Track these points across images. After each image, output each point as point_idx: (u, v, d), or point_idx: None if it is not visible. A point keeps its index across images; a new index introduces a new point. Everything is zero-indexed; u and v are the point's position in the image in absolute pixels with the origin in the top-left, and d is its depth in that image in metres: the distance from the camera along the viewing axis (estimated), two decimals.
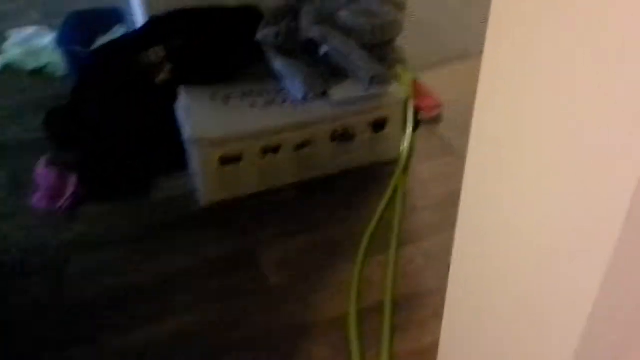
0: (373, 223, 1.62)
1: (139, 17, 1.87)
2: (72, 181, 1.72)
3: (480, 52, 2.51)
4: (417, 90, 1.99)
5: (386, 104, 1.69)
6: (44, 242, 1.63)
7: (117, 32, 2.08)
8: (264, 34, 1.66)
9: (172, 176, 1.78)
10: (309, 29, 1.65)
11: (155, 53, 1.61)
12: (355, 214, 1.69)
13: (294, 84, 1.64)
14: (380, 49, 1.72)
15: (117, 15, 2.11)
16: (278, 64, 1.65)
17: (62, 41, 2.00)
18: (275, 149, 1.64)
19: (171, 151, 1.73)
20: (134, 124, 1.68)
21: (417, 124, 1.92)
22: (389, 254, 1.54)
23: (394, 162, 1.82)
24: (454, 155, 1.86)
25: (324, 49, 1.64)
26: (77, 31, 2.06)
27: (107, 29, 2.12)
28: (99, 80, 1.73)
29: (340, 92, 1.65)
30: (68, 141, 1.84)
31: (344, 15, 1.66)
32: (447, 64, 2.25)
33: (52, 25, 2.31)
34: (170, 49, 1.61)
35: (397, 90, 1.71)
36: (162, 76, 1.60)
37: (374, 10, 1.69)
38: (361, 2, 1.72)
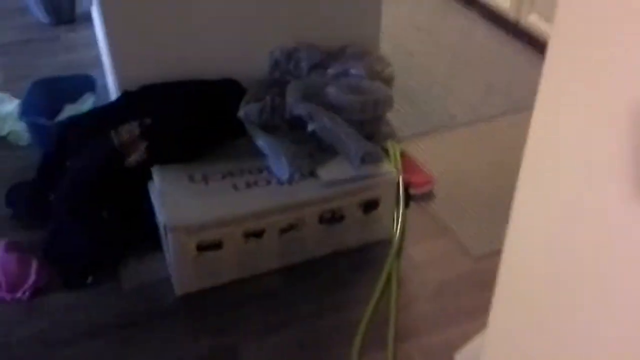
0: (366, 315, 1.49)
1: (111, 87, 1.75)
2: (33, 267, 1.56)
3: (468, 122, 2.38)
4: (407, 165, 1.89)
5: (378, 184, 1.59)
6: (3, 339, 1.46)
7: (86, 101, 1.95)
8: (246, 110, 1.54)
9: (145, 259, 1.63)
10: (295, 106, 1.54)
11: (129, 131, 1.48)
12: (347, 302, 1.56)
13: (279, 164, 1.52)
14: (370, 124, 1.63)
15: (86, 83, 1.99)
16: (261, 142, 1.53)
17: (26, 111, 1.86)
18: (258, 234, 1.51)
19: (143, 232, 1.59)
20: (103, 205, 1.54)
21: (408, 201, 1.81)
22: (385, 354, 1.40)
23: (385, 242, 1.70)
24: (448, 235, 1.75)
25: (311, 127, 1.53)
26: (43, 100, 1.93)
27: (75, 97, 1.99)
28: (67, 157, 1.59)
29: (329, 172, 1.54)
30: (31, 220, 1.68)
31: (332, 91, 1.57)
32: (434, 134, 2.17)
33: (16, 90, 2.17)
34: (145, 126, 1.49)
35: (389, 168, 1.61)
36: (135, 156, 1.47)
37: (363, 86, 1.60)
38: (349, 78, 1.63)
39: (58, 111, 1.96)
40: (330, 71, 1.66)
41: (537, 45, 2.64)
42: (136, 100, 1.55)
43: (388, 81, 1.70)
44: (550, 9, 2.51)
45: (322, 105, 1.56)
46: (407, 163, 1.91)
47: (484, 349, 0.83)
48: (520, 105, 2.35)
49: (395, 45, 2.69)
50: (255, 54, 1.67)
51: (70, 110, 1.94)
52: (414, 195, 1.86)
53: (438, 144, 2.13)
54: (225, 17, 1.63)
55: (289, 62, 1.68)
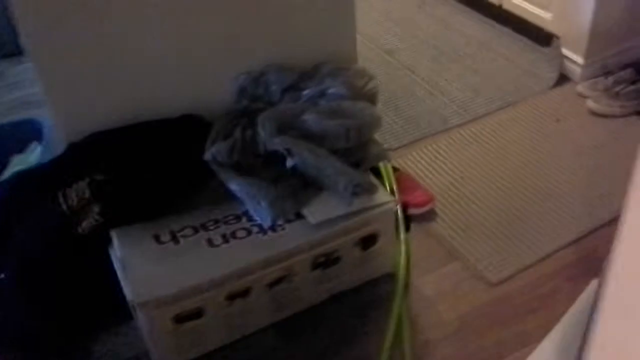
0: None
1: (57, 136, 1.53)
2: None
3: (461, 123, 2.14)
4: (402, 183, 1.69)
5: (375, 217, 1.38)
6: None
7: (34, 151, 1.73)
8: (213, 151, 1.33)
9: (118, 332, 1.42)
10: (270, 140, 1.33)
11: (77, 192, 1.26)
12: (352, 355, 1.36)
13: (259, 209, 1.32)
14: (357, 150, 1.42)
15: (32, 129, 1.76)
16: (235, 186, 1.32)
17: None
18: (244, 293, 1.30)
19: (111, 302, 1.38)
20: (58, 280, 1.32)
21: (408, 224, 1.61)
22: None
23: (388, 277, 1.50)
24: (457, 259, 1.56)
25: (290, 163, 1.32)
26: None
27: (22, 147, 1.77)
28: (13, 225, 1.37)
29: (318, 212, 1.33)
30: None
31: (310, 118, 1.36)
32: (426, 141, 1.97)
33: None
34: (95, 184, 1.27)
35: (385, 197, 1.41)
36: (88, 222, 1.26)
37: (344, 108, 1.39)
38: (328, 99, 1.42)
39: (4, 164, 1.74)
40: (306, 93, 1.45)
41: (522, 28, 2.45)
42: (83, 154, 1.33)
43: (372, 97, 1.50)
44: None
45: (300, 135, 1.36)
46: (403, 181, 1.71)
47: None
48: (513, 97, 2.16)
49: (371, 43, 2.48)
50: (218, 83, 1.45)
51: (17, 163, 1.71)
52: (414, 216, 1.66)
53: (432, 152, 1.93)
54: (180, 43, 1.41)
55: (257, 87, 1.47)
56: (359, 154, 1.44)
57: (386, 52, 2.42)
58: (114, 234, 1.28)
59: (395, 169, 1.74)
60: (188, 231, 1.31)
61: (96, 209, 1.26)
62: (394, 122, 2.05)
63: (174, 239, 1.29)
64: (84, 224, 1.25)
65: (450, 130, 2.03)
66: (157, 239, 1.29)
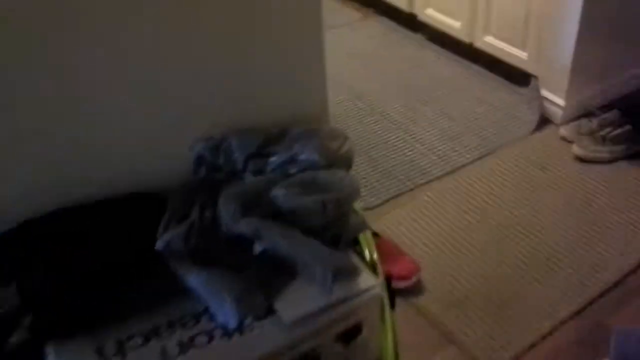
0: None
1: None
2: None
3: (441, 174, 1.94)
4: (384, 252, 1.50)
5: (359, 305, 1.19)
6: None
7: None
8: (167, 239, 1.13)
9: None
10: (234, 223, 1.14)
11: (4, 300, 1.04)
12: None
13: (223, 307, 1.11)
14: (333, 226, 1.24)
15: None
16: (194, 280, 1.12)
17: None
18: None
19: None
20: None
21: (393, 302, 1.43)
22: None
23: None
24: (452, 342, 1.38)
25: (258, 248, 1.13)
26: None
27: None
28: None
29: (291, 306, 1.13)
30: None
31: (280, 194, 1.17)
32: (405, 198, 1.81)
33: None
34: (26, 290, 1.05)
35: (369, 281, 1.22)
36: (17, 336, 1.03)
37: (319, 180, 1.21)
38: (300, 166, 1.24)
39: None
40: (274, 160, 1.27)
41: (496, 68, 2.33)
42: (11, 250, 1.10)
43: (348, 160, 1.32)
44: (506, 30, 2.19)
45: (269, 214, 1.17)
46: (384, 249, 1.53)
47: None
48: (493, 144, 2.02)
49: (339, 87, 2.32)
50: (172, 153, 1.26)
51: None
52: (399, 290, 1.48)
53: (412, 211, 1.77)
54: (125, 105, 1.21)
55: (217, 155, 1.27)
56: (336, 229, 1.26)
57: (356, 96, 2.27)
58: (50, 351, 1.06)
59: (375, 234, 1.56)
60: (137, 340, 1.09)
61: (27, 320, 1.03)
62: (369, 176, 1.88)
63: (121, 351, 1.07)
64: (14, 339, 1.02)
65: (429, 183, 1.88)
66: (99, 352, 1.06)
